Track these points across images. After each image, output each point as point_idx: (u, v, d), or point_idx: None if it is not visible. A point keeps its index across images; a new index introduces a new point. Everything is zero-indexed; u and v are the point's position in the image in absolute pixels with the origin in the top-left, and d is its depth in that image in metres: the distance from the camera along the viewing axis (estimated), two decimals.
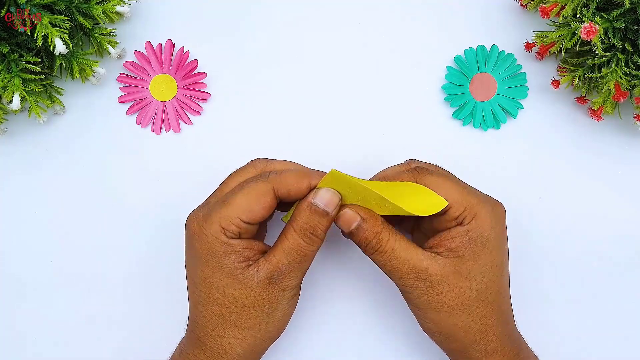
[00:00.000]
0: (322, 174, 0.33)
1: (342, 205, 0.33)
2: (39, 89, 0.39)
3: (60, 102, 0.41)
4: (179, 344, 0.35)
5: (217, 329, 0.32)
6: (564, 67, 0.40)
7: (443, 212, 0.32)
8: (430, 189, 0.32)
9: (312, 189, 0.33)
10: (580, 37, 0.35)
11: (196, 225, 0.32)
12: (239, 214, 0.31)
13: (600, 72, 0.37)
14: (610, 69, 0.36)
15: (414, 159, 0.36)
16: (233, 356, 0.33)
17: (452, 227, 0.32)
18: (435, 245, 0.33)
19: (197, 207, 0.34)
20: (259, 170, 0.34)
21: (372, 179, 0.35)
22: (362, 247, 0.33)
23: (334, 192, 0.32)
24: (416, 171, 0.33)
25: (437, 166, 0.36)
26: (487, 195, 0.34)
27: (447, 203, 0.32)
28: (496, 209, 0.33)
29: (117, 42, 0.41)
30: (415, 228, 0.38)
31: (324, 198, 0.32)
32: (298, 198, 0.33)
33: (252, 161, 0.35)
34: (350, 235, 0.33)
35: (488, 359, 0.33)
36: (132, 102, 0.42)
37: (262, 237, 0.38)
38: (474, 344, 0.33)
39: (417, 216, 0.32)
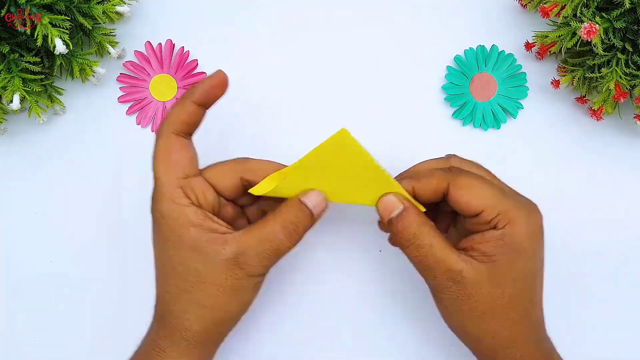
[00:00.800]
0: (197, 85, 0.33)
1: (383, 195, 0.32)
2: (39, 89, 0.39)
3: (60, 102, 0.41)
4: (149, 327, 0.34)
5: (178, 304, 0.32)
6: (564, 67, 0.40)
7: (476, 214, 0.31)
8: (464, 191, 0.31)
9: (200, 103, 0.33)
10: (580, 37, 0.35)
11: (152, 208, 0.32)
12: (171, 176, 0.31)
13: (600, 72, 0.37)
14: (611, 69, 0.36)
15: (454, 155, 0.35)
16: (192, 333, 0.32)
17: (486, 230, 0.32)
18: (469, 248, 0.32)
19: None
20: (231, 167, 0.34)
21: (403, 174, 0.35)
22: (399, 238, 0.32)
23: (323, 197, 0.33)
24: (450, 172, 0.32)
25: (477, 165, 0.35)
26: (525, 199, 0.33)
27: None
28: (532, 216, 0.32)
29: (117, 42, 0.41)
30: (452, 227, 0.37)
31: (313, 199, 0.32)
32: (199, 121, 0.34)
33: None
34: (388, 223, 0.32)
35: None
36: (132, 102, 0.42)
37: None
38: (503, 349, 0.32)
39: (454, 215, 0.34)
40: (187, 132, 0.33)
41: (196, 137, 0.42)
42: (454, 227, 0.36)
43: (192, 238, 0.31)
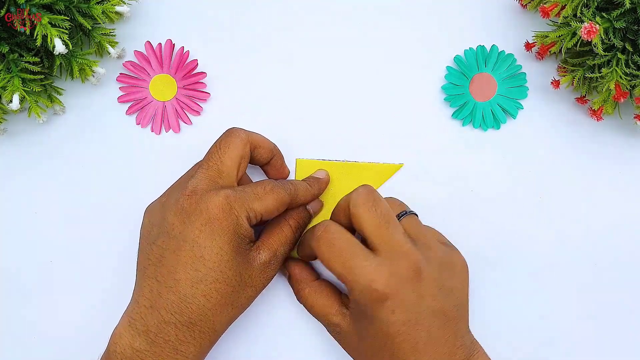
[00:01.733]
0: (325, 181, 0.41)
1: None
2: (39, 89, 0.39)
3: (60, 102, 0.41)
4: (141, 332, 0.32)
5: (215, 307, 0.33)
6: (564, 67, 0.40)
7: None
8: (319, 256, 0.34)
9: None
10: (580, 37, 0.35)
11: (227, 204, 0.33)
12: (264, 212, 0.35)
13: (600, 72, 0.37)
14: (611, 69, 0.36)
15: (361, 192, 0.35)
16: (219, 334, 0.34)
17: None
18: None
19: (212, 187, 0.34)
20: (244, 141, 0.36)
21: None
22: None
23: (321, 202, 0.40)
24: (312, 235, 0.35)
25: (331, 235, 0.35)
26: (365, 266, 0.32)
27: (402, 165, 0.40)
28: (370, 286, 0.32)
29: (116, 42, 0.41)
30: None
31: (315, 207, 0.40)
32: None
33: (233, 132, 0.36)
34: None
35: None
36: (132, 102, 0.42)
37: None
38: None
39: None
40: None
41: (196, 137, 0.42)
42: None
43: (244, 248, 0.34)
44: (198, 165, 0.36)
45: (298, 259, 0.39)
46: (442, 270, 0.33)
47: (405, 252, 0.32)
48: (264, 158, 0.38)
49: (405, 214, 0.36)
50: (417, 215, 0.37)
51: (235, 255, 0.33)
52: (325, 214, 0.41)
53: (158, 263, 0.33)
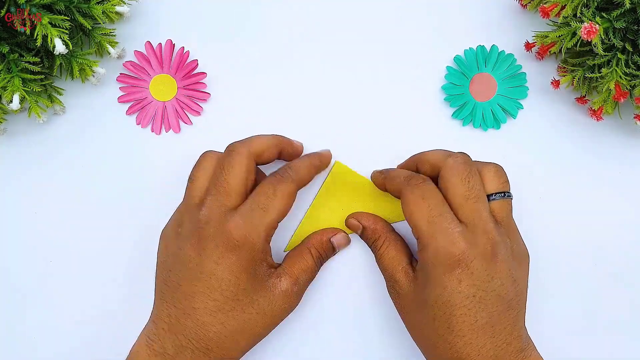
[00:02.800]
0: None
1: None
2: (39, 89, 0.39)
3: (60, 102, 0.41)
4: (157, 353, 0.33)
5: (233, 335, 0.33)
6: (564, 67, 0.40)
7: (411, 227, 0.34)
8: (404, 205, 0.34)
9: (281, 154, 0.38)
10: (580, 37, 0.35)
11: (242, 233, 0.33)
12: (278, 218, 0.34)
13: (600, 72, 0.37)
14: (611, 69, 0.36)
15: (463, 153, 0.36)
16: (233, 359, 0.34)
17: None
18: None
19: (224, 215, 0.33)
20: (245, 155, 0.35)
21: (409, 160, 0.39)
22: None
23: (348, 238, 0.40)
24: (407, 183, 0.35)
25: (493, 165, 0.36)
26: (450, 230, 0.32)
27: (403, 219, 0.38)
28: (449, 250, 0.32)
29: (117, 42, 0.41)
30: None
31: (340, 240, 0.39)
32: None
33: (233, 150, 0.35)
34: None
35: None
36: (132, 102, 0.42)
37: None
38: (445, 357, 0.33)
39: None
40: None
41: (196, 137, 0.42)
42: None
43: (262, 273, 0.34)
44: (207, 192, 0.35)
45: (369, 213, 0.39)
46: (514, 259, 0.34)
47: (487, 231, 0.33)
48: (273, 156, 0.37)
49: (502, 195, 0.35)
50: (512, 198, 0.36)
51: (253, 283, 0.33)
52: (334, 222, 0.40)
53: (175, 290, 0.33)
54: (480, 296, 0.32)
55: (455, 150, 0.37)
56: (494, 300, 0.32)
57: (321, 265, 0.39)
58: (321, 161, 0.38)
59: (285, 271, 0.35)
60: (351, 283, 0.41)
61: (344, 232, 0.40)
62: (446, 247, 0.32)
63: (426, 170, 0.36)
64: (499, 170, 0.36)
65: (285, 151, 0.38)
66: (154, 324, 0.34)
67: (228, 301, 0.33)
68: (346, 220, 0.40)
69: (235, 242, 0.33)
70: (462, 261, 0.32)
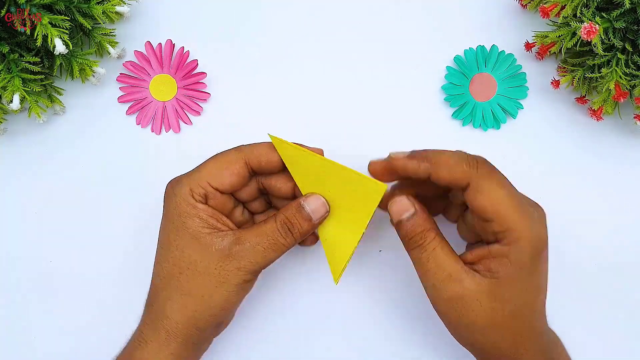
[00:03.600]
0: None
1: (387, 195, 0.33)
2: (39, 89, 0.39)
3: (60, 102, 0.41)
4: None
5: (165, 290, 0.33)
6: (564, 67, 0.40)
7: (485, 220, 0.31)
8: (482, 195, 0.31)
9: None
10: (580, 37, 0.35)
11: (169, 186, 0.34)
12: (208, 178, 0.33)
13: (600, 72, 0.37)
14: (611, 69, 0.36)
15: (483, 159, 0.33)
16: (172, 322, 0.33)
17: (491, 240, 0.31)
18: (475, 262, 0.32)
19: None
20: (237, 156, 0.34)
21: (420, 153, 0.33)
22: (405, 239, 0.33)
23: (323, 202, 0.34)
24: (476, 167, 0.31)
25: (496, 172, 0.33)
26: (533, 215, 0.32)
27: (386, 187, 0.31)
28: (539, 235, 0.31)
29: (117, 42, 0.41)
30: (460, 219, 0.36)
31: (312, 204, 0.33)
32: (272, 171, 0.34)
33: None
34: (397, 225, 0.33)
35: None
36: (132, 102, 0.42)
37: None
38: (505, 357, 0.32)
39: (464, 208, 0.35)
40: (254, 168, 0.34)
41: (196, 137, 0.42)
42: (462, 220, 0.36)
43: (194, 227, 0.33)
44: None
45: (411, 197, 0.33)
46: None
47: (541, 220, 0.32)
48: (273, 166, 0.34)
49: None
50: None
51: (182, 235, 0.33)
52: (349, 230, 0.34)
53: None
54: (547, 270, 0.33)
55: (453, 148, 0.37)
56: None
57: (292, 237, 0.33)
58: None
59: (233, 232, 0.33)
60: (349, 286, 0.41)
61: (318, 194, 0.34)
62: (540, 234, 0.31)
63: (445, 177, 0.31)
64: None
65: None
66: None
67: (162, 250, 0.34)
68: (391, 199, 0.33)
69: (166, 191, 0.34)
70: (546, 241, 0.32)
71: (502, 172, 0.33)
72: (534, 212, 0.32)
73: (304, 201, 0.33)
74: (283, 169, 0.35)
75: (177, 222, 0.33)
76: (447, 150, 0.32)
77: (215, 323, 0.34)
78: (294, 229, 0.33)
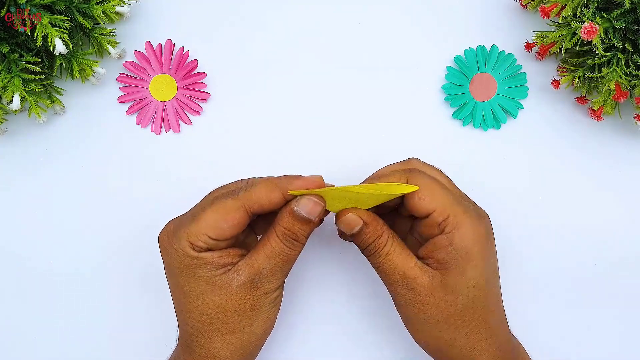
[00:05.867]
0: (292, 178, 0.32)
1: (340, 211, 0.33)
2: (39, 89, 0.39)
3: (60, 102, 0.41)
4: (174, 351, 0.35)
5: (200, 335, 0.33)
6: (564, 67, 0.40)
7: (426, 215, 0.32)
8: (417, 191, 0.32)
9: (286, 199, 0.32)
10: (580, 37, 0.35)
11: (166, 239, 0.32)
12: (206, 230, 0.31)
13: (600, 72, 0.37)
14: (611, 69, 0.36)
15: (415, 158, 0.35)
16: (222, 359, 0.33)
17: (437, 234, 0.32)
18: (426, 256, 0.33)
19: (173, 219, 0.34)
20: (235, 205, 0.32)
21: (367, 179, 0.35)
22: (360, 249, 0.34)
23: (316, 201, 0.32)
24: (409, 172, 0.33)
25: (434, 169, 0.35)
26: (476, 206, 0.34)
27: (417, 188, 0.32)
28: (481, 222, 0.33)
29: (117, 42, 0.41)
30: (409, 233, 0.37)
31: (306, 206, 0.32)
32: (274, 210, 0.33)
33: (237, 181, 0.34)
34: (351, 237, 0.34)
35: None
36: (132, 102, 0.42)
37: (250, 244, 0.36)
38: (461, 357, 0.33)
39: (410, 220, 0.35)
40: (256, 212, 0.33)
41: (196, 137, 0.42)
42: (410, 233, 0.36)
43: (206, 274, 0.32)
44: None
45: (362, 209, 0.33)
46: None
47: (482, 211, 0.34)
48: (275, 204, 0.32)
49: None
50: None
51: (197, 285, 0.32)
52: None
53: None
54: (496, 271, 0.34)
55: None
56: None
57: (300, 243, 0.33)
58: (291, 182, 0.32)
59: (245, 263, 0.32)
60: (346, 286, 0.41)
61: (311, 195, 0.32)
62: (478, 222, 0.32)
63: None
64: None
65: (289, 190, 0.32)
66: None
67: (181, 301, 0.33)
68: (340, 217, 0.33)
69: (162, 247, 0.33)
70: (490, 233, 0.33)
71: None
72: (473, 205, 0.34)
73: (296, 206, 0.32)
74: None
75: (187, 273, 0.32)
76: (385, 167, 0.35)
77: (262, 344, 0.35)
78: (298, 236, 0.32)
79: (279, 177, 0.33)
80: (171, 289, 0.34)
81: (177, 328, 0.34)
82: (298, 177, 0.33)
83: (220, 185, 0.34)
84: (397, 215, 0.37)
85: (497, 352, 0.33)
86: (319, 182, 0.33)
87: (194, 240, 0.31)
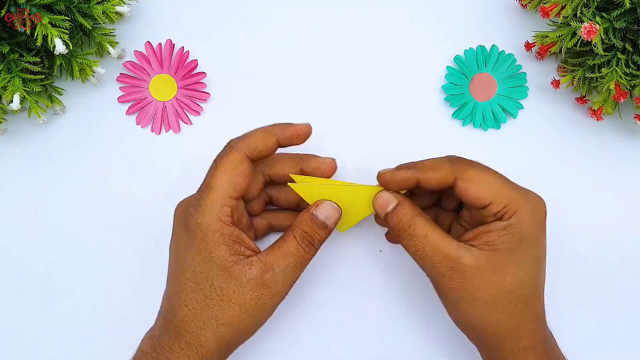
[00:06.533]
0: (284, 126, 0.35)
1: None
2: (39, 89, 0.39)
3: (60, 102, 0.41)
4: (149, 336, 0.34)
5: (197, 320, 0.32)
6: (564, 67, 0.40)
7: (483, 207, 0.32)
8: (473, 183, 0.32)
9: (280, 144, 0.34)
10: (580, 37, 0.35)
11: (189, 215, 0.32)
12: (227, 192, 0.32)
13: (600, 72, 0.37)
14: (611, 69, 0.36)
15: (455, 156, 0.34)
16: (207, 350, 0.32)
17: (492, 221, 0.32)
18: (472, 238, 0.32)
19: (185, 198, 0.34)
20: (240, 154, 0.33)
21: (407, 165, 0.34)
22: (395, 231, 0.33)
23: (335, 207, 0.34)
24: (458, 163, 0.33)
25: (478, 163, 0.34)
26: (528, 190, 0.33)
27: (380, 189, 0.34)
28: (537, 206, 0.33)
29: (117, 42, 0.41)
30: (455, 222, 0.37)
31: (325, 211, 0.34)
32: (270, 153, 0.34)
33: (229, 146, 0.34)
34: (385, 218, 0.34)
35: (519, 356, 0.32)
36: (132, 102, 0.42)
37: (252, 237, 0.38)
38: (506, 339, 0.32)
39: (456, 212, 0.36)
40: (255, 158, 0.34)
41: (196, 137, 0.42)
42: (457, 223, 0.37)
43: (221, 256, 0.32)
44: None
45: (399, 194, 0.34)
46: None
47: (538, 196, 0.34)
48: (272, 147, 0.34)
49: None
50: None
51: (210, 267, 0.32)
52: None
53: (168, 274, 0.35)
54: (545, 250, 0.34)
55: (454, 150, 0.37)
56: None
57: (314, 248, 0.34)
58: (284, 129, 0.34)
59: (259, 258, 0.32)
60: (350, 283, 0.41)
61: (329, 200, 0.34)
62: (537, 204, 0.32)
63: (432, 186, 0.33)
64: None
65: (282, 136, 0.34)
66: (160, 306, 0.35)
67: (188, 282, 0.32)
68: (377, 199, 0.34)
69: (188, 224, 0.32)
70: (545, 218, 0.33)
71: (500, 171, 0.34)
72: (527, 190, 0.33)
73: (315, 210, 0.34)
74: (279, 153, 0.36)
75: (204, 252, 0.32)
76: (428, 159, 0.34)
77: (245, 341, 0.35)
78: (314, 240, 0.33)
79: (271, 124, 0.35)
80: (178, 268, 0.33)
81: (162, 313, 0.34)
82: (290, 125, 0.35)
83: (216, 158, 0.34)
84: (440, 209, 0.37)
85: (540, 337, 0.33)
86: (306, 129, 0.35)
87: (218, 208, 0.32)
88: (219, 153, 0.34)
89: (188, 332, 0.32)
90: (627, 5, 0.34)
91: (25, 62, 0.37)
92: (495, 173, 0.33)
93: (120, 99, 0.42)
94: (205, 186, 0.33)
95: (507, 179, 0.33)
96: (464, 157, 0.34)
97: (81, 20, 0.38)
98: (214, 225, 0.32)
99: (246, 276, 0.32)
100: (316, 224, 0.34)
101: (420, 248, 0.32)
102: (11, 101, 0.37)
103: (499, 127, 0.42)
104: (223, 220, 0.32)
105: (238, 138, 0.34)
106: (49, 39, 0.35)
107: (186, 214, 0.33)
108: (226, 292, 0.32)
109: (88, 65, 0.40)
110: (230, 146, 0.34)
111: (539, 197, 0.33)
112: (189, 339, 0.32)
